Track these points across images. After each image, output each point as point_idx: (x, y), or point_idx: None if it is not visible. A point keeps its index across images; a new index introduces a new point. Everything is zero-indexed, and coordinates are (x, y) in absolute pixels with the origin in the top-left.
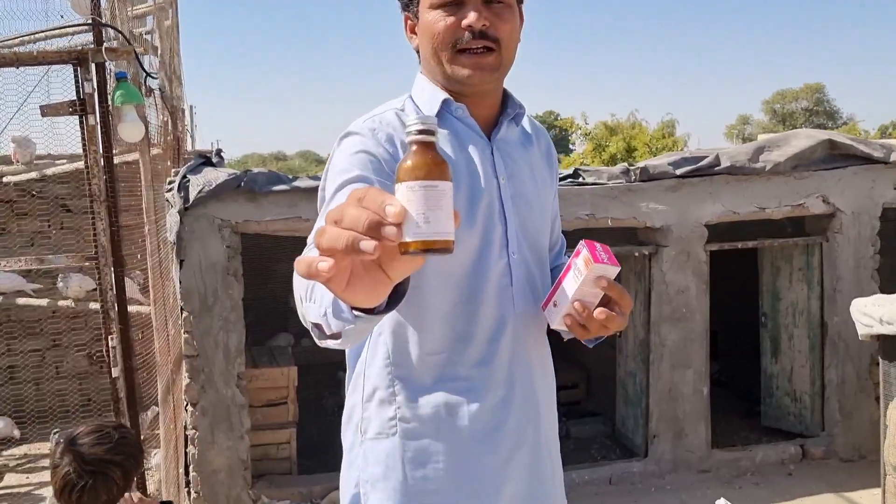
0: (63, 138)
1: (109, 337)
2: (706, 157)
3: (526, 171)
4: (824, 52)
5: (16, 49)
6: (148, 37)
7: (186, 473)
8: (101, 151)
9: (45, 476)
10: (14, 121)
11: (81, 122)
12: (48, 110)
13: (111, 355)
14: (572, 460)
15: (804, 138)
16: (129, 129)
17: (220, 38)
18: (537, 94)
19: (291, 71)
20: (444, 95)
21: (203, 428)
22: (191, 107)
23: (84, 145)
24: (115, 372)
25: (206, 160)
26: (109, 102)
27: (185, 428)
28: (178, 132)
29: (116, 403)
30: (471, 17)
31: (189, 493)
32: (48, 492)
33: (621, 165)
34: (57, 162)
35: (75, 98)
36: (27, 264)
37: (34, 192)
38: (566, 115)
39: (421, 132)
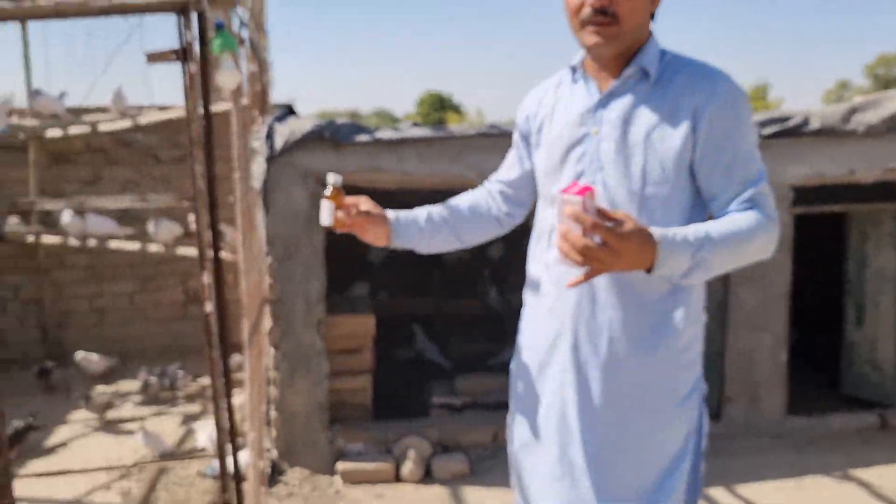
0: (153, 90)
1: (204, 274)
2: (793, 117)
3: (640, 119)
4: None
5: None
6: None
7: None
8: (200, 96)
9: (131, 411)
10: (107, 72)
11: (182, 70)
12: (153, 57)
13: (205, 292)
14: None
15: None
16: (226, 77)
17: None
18: None
19: (368, 27)
20: (574, 62)
21: (284, 371)
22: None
23: (185, 92)
24: (209, 307)
25: (290, 110)
26: (208, 51)
27: (267, 370)
28: (264, 82)
29: (209, 337)
30: None
31: (270, 432)
32: (143, 426)
33: None
34: (146, 113)
35: (178, 46)
36: (132, 203)
37: (126, 142)
38: None
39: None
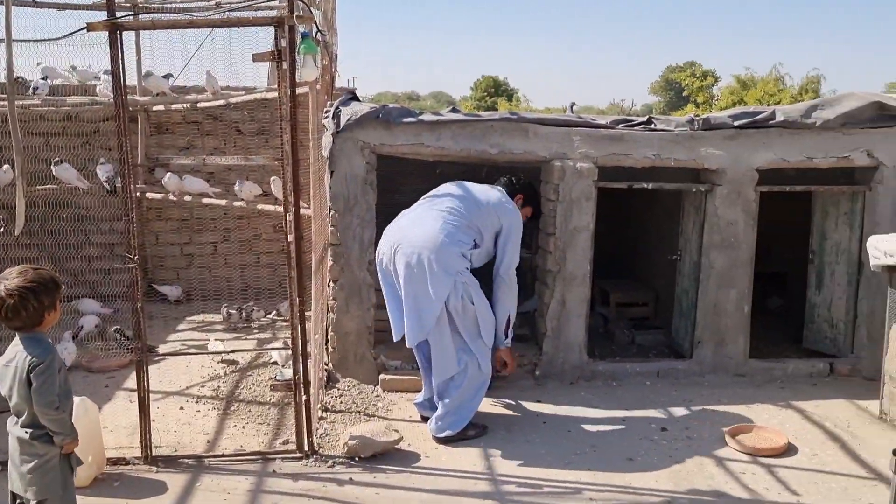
0: (240, 75)
1: (288, 213)
2: (763, 111)
3: None
4: None
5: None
6: None
7: (327, 334)
8: (288, 86)
9: (216, 336)
10: (204, 61)
11: (278, 66)
12: (257, 57)
13: (287, 227)
14: (633, 360)
15: (856, 99)
16: (308, 72)
17: None
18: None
19: (427, 11)
20: None
21: (340, 300)
22: None
23: (279, 82)
24: (290, 238)
25: (353, 96)
26: (296, 53)
27: (327, 299)
28: (332, 72)
29: (290, 261)
30: None
31: (327, 348)
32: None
33: (688, 115)
34: (234, 93)
35: (274, 49)
36: (239, 160)
37: (216, 117)
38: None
39: None
